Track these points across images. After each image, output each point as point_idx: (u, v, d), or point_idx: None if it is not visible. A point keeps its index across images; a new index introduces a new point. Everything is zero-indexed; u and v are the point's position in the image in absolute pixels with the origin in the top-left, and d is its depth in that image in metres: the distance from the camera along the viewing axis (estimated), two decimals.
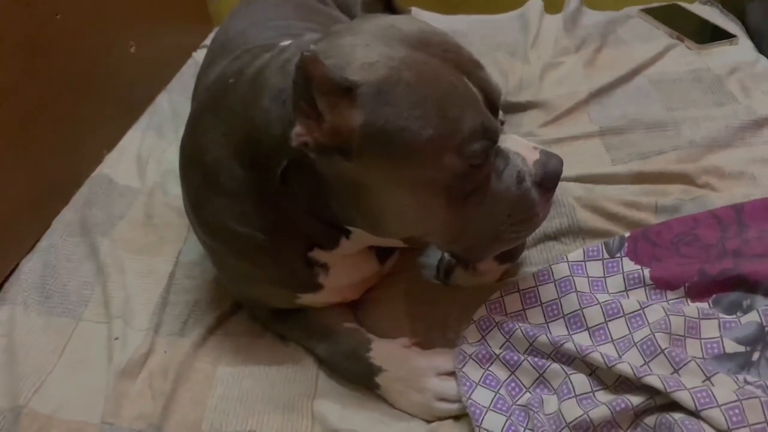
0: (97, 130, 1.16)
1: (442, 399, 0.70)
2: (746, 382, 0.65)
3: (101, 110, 1.17)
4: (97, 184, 1.08)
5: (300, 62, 0.55)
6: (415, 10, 1.52)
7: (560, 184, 0.69)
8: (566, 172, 0.75)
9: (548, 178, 0.66)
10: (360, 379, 0.73)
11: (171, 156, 1.11)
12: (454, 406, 0.69)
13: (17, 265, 0.94)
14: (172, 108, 1.30)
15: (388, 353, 0.73)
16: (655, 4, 1.45)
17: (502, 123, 1.15)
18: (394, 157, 0.59)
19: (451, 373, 0.71)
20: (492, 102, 0.64)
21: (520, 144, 0.67)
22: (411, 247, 0.78)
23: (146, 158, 1.16)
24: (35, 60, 1.00)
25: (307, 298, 0.76)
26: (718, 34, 1.30)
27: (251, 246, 0.71)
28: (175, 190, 1.01)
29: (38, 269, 0.92)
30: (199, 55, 1.42)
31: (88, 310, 0.87)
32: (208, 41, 1.29)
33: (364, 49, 0.60)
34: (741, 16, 1.37)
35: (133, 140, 1.21)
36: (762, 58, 1.20)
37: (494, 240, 0.68)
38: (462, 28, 1.41)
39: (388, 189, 0.61)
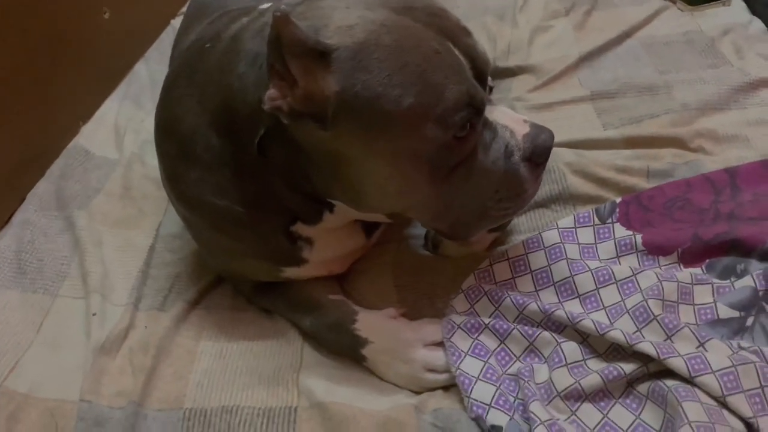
0: (72, 100, 1.12)
1: (430, 370, 0.68)
2: (740, 347, 0.64)
3: (75, 79, 1.12)
4: (73, 155, 1.05)
5: (272, 23, 0.51)
6: None
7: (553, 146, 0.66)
8: (557, 137, 0.73)
9: (538, 153, 0.63)
10: (346, 351, 0.72)
11: (149, 126, 1.06)
12: (443, 377, 0.68)
13: None
14: (150, 77, 1.25)
15: (374, 324, 0.71)
16: None
17: (491, 89, 1.12)
18: (372, 126, 0.56)
19: (439, 344, 0.70)
20: (479, 70, 0.61)
21: (510, 116, 0.64)
22: (396, 222, 0.75)
23: (124, 129, 1.12)
24: (1, 28, 0.95)
25: (291, 272, 0.74)
26: None
27: (229, 219, 0.68)
28: (153, 161, 0.97)
29: (13, 245, 0.89)
30: (178, 23, 1.36)
31: (65, 286, 0.84)
32: (186, 9, 1.25)
33: (343, 12, 0.57)
34: None
35: (110, 110, 1.17)
36: (755, 19, 1.17)
37: (481, 217, 0.65)
38: None
39: (367, 160, 0.59)
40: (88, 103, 1.17)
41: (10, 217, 0.94)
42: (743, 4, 1.23)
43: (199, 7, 0.91)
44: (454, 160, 0.60)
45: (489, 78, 1.11)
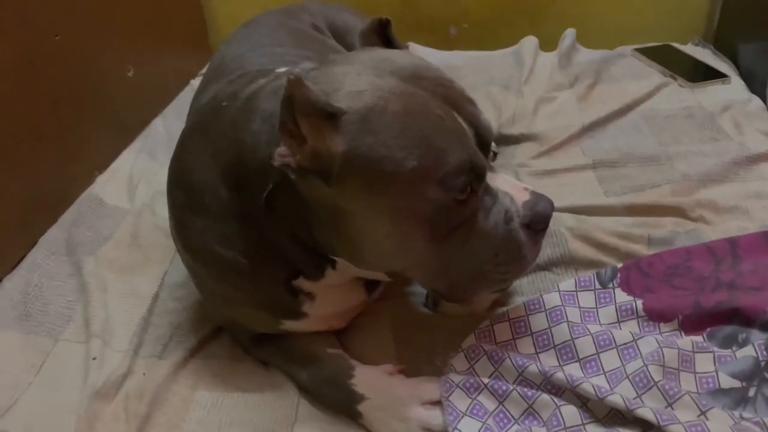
0: (90, 150, 1.16)
1: (426, 429, 0.67)
2: (742, 418, 0.63)
3: (95, 131, 1.17)
4: (86, 203, 1.07)
5: (286, 85, 0.55)
6: (412, 46, 1.53)
7: (552, 214, 0.68)
8: (558, 203, 0.75)
9: (537, 220, 0.64)
10: (341, 406, 0.71)
11: (162, 178, 1.08)
12: None
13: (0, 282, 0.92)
14: (167, 132, 1.30)
15: (371, 380, 0.70)
16: (648, 44, 1.48)
17: (495, 155, 1.15)
18: (374, 185, 0.58)
19: (437, 403, 0.69)
20: (482, 138, 0.63)
21: (510, 184, 0.66)
22: (397, 280, 0.76)
23: (137, 180, 1.15)
24: (31, 78, 1.00)
25: (290, 325, 0.75)
26: (710, 74, 1.32)
27: (232, 269, 0.69)
28: (163, 211, 0.99)
29: (20, 287, 0.90)
30: (197, 83, 1.42)
31: (68, 330, 0.84)
32: (206, 70, 1.30)
33: (354, 78, 0.60)
34: (733, 57, 1.38)
35: (125, 162, 1.20)
36: (754, 97, 1.21)
37: (479, 280, 0.66)
38: (457, 63, 1.43)
39: (368, 217, 0.60)
40: (105, 154, 1.21)
41: (20, 261, 0.96)
42: (742, 83, 1.28)
43: (218, 67, 0.95)
44: (453, 222, 0.62)
45: (494, 144, 1.15)
